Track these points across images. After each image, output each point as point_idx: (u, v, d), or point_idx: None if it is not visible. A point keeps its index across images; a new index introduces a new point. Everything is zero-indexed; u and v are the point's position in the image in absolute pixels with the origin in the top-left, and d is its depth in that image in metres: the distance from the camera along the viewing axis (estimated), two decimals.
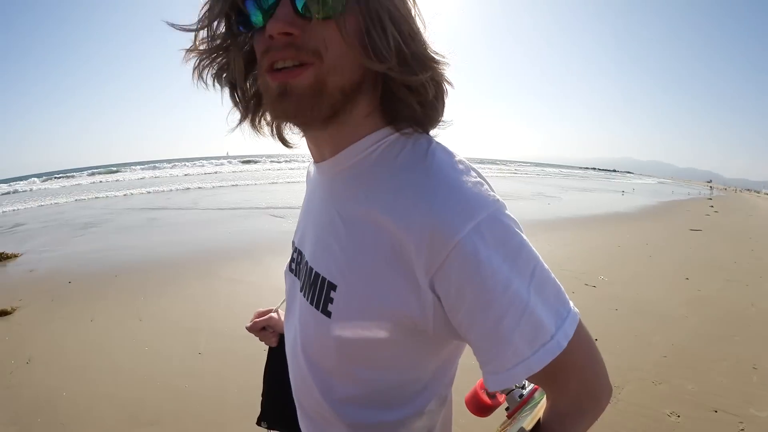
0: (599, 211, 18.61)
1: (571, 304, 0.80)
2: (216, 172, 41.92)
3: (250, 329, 1.50)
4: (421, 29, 0.81)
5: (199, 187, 26.92)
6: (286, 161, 63.34)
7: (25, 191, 33.70)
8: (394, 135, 0.88)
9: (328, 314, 0.86)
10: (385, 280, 0.79)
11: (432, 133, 0.92)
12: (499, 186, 29.15)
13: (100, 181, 37.52)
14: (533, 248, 0.77)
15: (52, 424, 3.80)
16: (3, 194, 33.28)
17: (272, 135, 0.99)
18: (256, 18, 0.79)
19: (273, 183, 29.29)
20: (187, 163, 62.39)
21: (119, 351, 5.03)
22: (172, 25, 0.85)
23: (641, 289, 7.24)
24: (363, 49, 0.77)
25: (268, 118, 0.98)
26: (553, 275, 0.78)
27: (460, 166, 0.81)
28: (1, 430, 3.77)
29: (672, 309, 6.35)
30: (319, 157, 0.97)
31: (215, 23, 0.84)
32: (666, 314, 6.13)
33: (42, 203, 22.65)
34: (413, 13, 0.80)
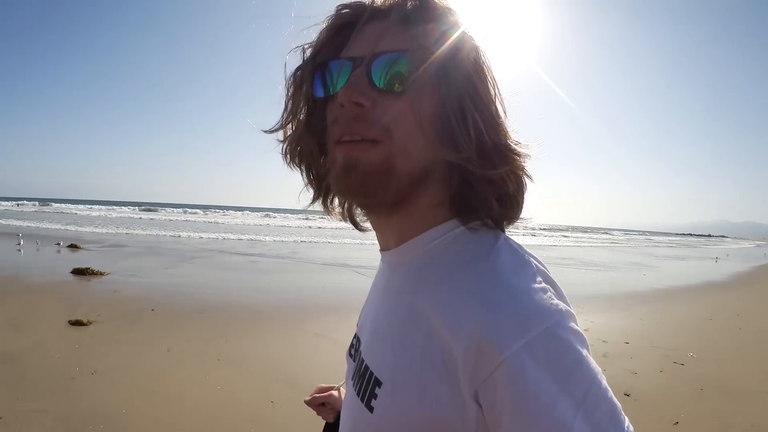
0: (693, 280, 18.07)
1: (626, 423, 0.70)
2: (316, 227, 42.80)
3: (309, 403, 1.47)
4: (502, 116, 0.81)
5: (297, 240, 27.62)
6: None
7: (124, 217, 35.84)
8: (459, 229, 0.85)
9: (371, 409, 0.84)
10: (429, 385, 0.75)
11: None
12: (597, 255, 29.58)
13: (196, 221, 39.26)
14: (592, 365, 0.70)
15: None
16: (104, 216, 35.58)
17: (343, 218, 1.01)
18: (330, 87, 0.82)
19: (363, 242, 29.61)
20: (287, 215, 64.57)
21: (190, 385, 5.05)
22: (267, 132, 0.94)
23: (728, 365, 6.95)
24: (438, 135, 0.77)
25: (339, 199, 0.99)
26: (610, 394, 0.70)
27: (524, 269, 0.77)
28: (49, 425, 3.89)
29: (757, 386, 6.06)
30: (383, 245, 0.97)
31: (298, 110, 0.90)
32: (750, 391, 5.86)
33: (138, 231, 23.95)
34: (494, 97, 0.80)
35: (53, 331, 6.20)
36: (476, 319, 0.69)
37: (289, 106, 0.89)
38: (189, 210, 61.33)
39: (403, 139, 0.75)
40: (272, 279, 12.52)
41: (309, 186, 0.98)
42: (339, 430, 1.03)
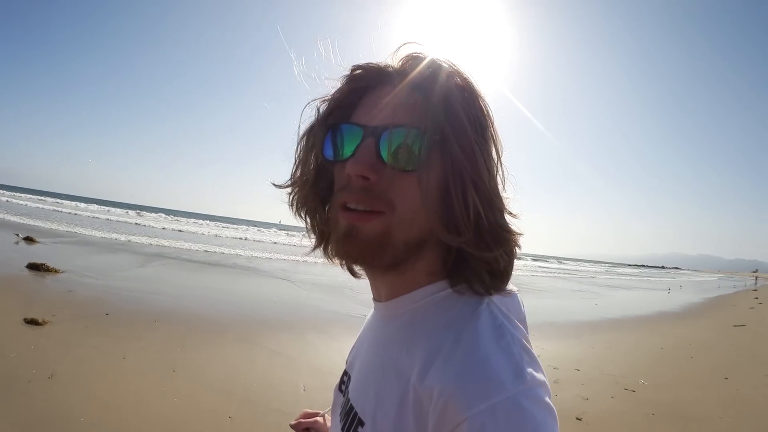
0: (645, 310, 18.59)
1: None
2: (273, 242, 42.13)
3: (294, 428, 1.48)
4: (501, 188, 0.86)
5: (252, 253, 27.22)
6: None
7: (85, 215, 35.12)
8: (446, 291, 0.89)
9: None
10: (402, 431, 0.79)
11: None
12: (548, 284, 30.18)
13: (163, 228, 38.46)
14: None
15: None
16: (67, 212, 34.87)
17: (341, 266, 1.03)
18: (340, 151, 0.85)
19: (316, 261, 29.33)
20: (242, 226, 64.04)
21: (147, 395, 4.97)
22: (277, 186, 0.99)
23: (679, 392, 7.18)
24: (439, 213, 0.81)
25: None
26: None
27: (500, 337, 0.79)
28: (7, 429, 3.83)
29: (707, 411, 6.34)
30: (376, 295, 1.02)
31: (308, 165, 0.94)
32: (701, 417, 6.11)
33: (99, 231, 23.45)
34: (496, 170, 0.85)
35: (8, 329, 6.08)
36: (447, 380, 0.72)
37: (300, 163, 0.94)
38: (145, 213, 60.52)
39: (405, 213, 0.79)
40: (227, 290, 12.41)
41: (311, 233, 1.01)
42: None
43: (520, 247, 0.88)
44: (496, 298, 0.89)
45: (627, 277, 55.65)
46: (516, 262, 0.90)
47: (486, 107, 0.85)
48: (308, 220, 1.00)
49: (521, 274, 37.21)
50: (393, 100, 0.81)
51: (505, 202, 0.85)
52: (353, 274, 1.05)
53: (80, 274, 10.62)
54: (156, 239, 25.90)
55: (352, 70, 0.89)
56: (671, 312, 18.69)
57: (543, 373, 0.76)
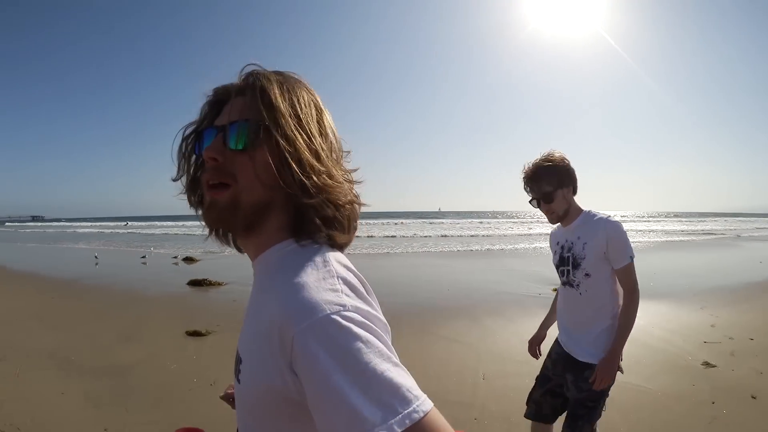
0: None
1: (417, 402, 0.72)
2: (439, 236, 42.18)
3: (225, 399, 1.51)
4: (322, 158, 0.97)
5: (425, 250, 27.02)
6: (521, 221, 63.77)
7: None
8: (292, 246, 0.99)
9: (239, 381, 0.96)
10: (264, 359, 0.85)
11: None
12: (708, 247, 27.10)
13: None
14: (375, 348, 0.75)
15: None
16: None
17: (228, 244, 1.13)
18: (201, 148, 1.02)
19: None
20: (407, 220, 65.01)
21: None
22: (173, 179, 1.10)
23: None
24: (271, 178, 0.93)
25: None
26: (392, 374, 0.73)
27: (321, 274, 0.88)
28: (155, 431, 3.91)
29: None
30: (250, 256, 1.08)
31: (188, 167, 1.06)
32: None
33: None
34: (311, 146, 0.96)
35: (169, 342, 6.06)
36: (278, 309, 0.82)
37: (182, 164, 1.05)
38: None
39: (245, 182, 0.93)
40: (397, 282, 11.93)
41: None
42: None
43: (360, 203, 1.04)
44: (339, 256, 0.97)
45: None
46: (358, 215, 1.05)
47: (305, 98, 0.99)
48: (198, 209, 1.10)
49: (651, 240, 33.95)
50: (235, 104, 0.97)
51: (330, 166, 0.96)
52: (238, 249, 1.11)
53: (243, 284, 10.70)
54: None
55: (214, 91, 1.04)
56: None
57: (367, 303, 0.84)
